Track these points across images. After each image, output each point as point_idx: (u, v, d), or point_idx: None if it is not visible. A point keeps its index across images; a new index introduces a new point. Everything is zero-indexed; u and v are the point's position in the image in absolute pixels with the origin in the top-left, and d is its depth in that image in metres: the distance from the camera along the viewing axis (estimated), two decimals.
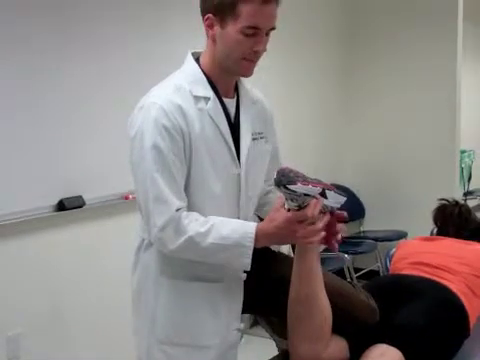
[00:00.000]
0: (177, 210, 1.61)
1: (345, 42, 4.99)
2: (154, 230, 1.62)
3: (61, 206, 2.85)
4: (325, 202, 1.62)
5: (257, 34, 1.62)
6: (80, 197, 2.93)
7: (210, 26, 1.66)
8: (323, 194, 1.62)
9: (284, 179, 1.55)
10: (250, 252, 1.62)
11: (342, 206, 1.69)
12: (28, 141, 2.75)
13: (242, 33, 1.61)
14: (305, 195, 1.56)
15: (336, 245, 1.71)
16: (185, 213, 1.63)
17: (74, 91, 2.91)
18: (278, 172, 1.57)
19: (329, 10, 4.85)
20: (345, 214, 1.71)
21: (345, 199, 1.68)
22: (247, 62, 1.67)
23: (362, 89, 5.03)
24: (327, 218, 1.65)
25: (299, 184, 1.54)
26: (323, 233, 1.63)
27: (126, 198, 3.09)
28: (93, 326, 3.04)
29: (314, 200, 1.58)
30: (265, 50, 1.68)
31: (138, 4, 3.20)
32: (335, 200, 1.66)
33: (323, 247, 1.80)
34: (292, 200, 1.57)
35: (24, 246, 2.76)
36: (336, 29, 4.94)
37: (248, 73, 1.71)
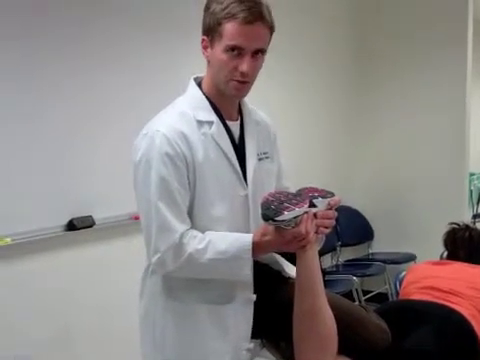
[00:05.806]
0: (180, 234, 1.64)
1: (355, 63, 5.01)
2: (156, 255, 1.66)
3: (71, 226, 2.86)
4: (314, 210, 1.68)
5: (241, 54, 1.63)
6: (90, 217, 2.94)
7: (205, 48, 1.70)
8: (312, 205, 1.67)
9: (270, 212, 1.60)
10: (250, 263, 1.66)
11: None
12: (38, 160, 2.76)
13: (226, 53, 1.63)
14: (295, 217, 1.61)
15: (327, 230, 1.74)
16: (185, 233, 1.66)
17: (84, 110, 2.92)
18: (262, 206, 1.62)
19: (340, 33, 4.88)
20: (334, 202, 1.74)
21: (332, 197, 1.73)
22: (235, 83, 1.67)
23: (371, 111, 5.04)
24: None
25: (285, 212, 1.59)
26: (313, 233, 1.67)
27: (136, 218, 3.08)
28: (102, 346, 3.02)
29: (305, 216, 1.63)
30: (255, 71, 1.68)
31: (155, 20, 3.22)
32: (324, 204, 1.71)
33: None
34: (285, 226, 1.62)
35: (34, 266, 2.76)
36: (347, 51, 4.96)
37: (238, 94, 1.72)
